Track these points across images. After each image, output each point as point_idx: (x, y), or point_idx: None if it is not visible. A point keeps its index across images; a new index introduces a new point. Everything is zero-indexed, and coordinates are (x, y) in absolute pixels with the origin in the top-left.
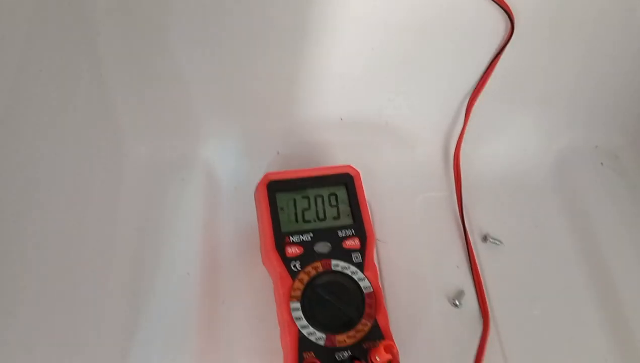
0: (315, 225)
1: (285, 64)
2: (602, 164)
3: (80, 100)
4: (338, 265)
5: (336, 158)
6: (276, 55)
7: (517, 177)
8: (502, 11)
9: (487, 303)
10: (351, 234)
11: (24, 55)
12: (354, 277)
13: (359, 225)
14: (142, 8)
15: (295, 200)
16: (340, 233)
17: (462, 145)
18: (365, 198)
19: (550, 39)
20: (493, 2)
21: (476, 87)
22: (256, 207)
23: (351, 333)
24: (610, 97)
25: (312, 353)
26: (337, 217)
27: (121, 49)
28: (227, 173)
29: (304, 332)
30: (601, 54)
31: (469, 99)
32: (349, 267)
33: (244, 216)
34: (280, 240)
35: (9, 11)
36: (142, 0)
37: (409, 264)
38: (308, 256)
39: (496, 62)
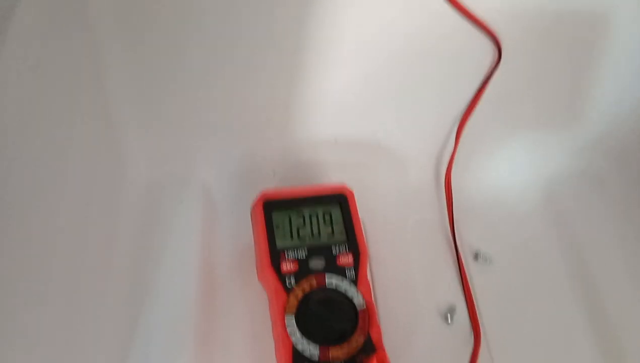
0: (310, 242)
1: (282, 85)
2: (588, 185)
3: (82, 120)
4: (332, 281)
5: (331, 178)
6: (272, 77)
7: (507, 199)
8: (490, 38)
9: (479, 319)
10: (345, 251)
11: (32, 76)
12: (347, 292)
13: (353, 242)
14: (146, 33)
15: (290, 218)
16: (334, 250)
17: (453, 168)
18: (359, 217)
19: (537, 65)
20: (481, 30)
21: (465, 111)
22: (252, 224)
23: (344, 347)
24: (597, 120)
25: None
26: (332, 235)
27: (124, 71)
28: (223, 192)
29: (298, 346)
30: (587, 78)
31: (459, 123)
32: (342, 283)
33: (241, 234)
34: (275, 256)
35: (19, 26)
36: (147, 24)
37: (402, 282)
38: (303, 272)
39: (485, 87)
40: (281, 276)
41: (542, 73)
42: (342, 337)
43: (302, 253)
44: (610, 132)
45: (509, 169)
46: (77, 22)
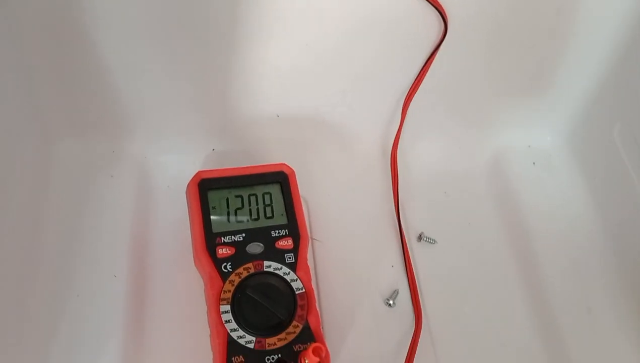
0: (248, 225)
1: (219, 58)
2: (534, 163)
3: (4, 92)
4: (270, 265)
5: (273, 155)
6: (209, 49)
7: (453, 176)
8: (437, 12)
9: (420, 302)
10: (284, 234)
11: None
12: (286, 277)
13: (293, 224)
14: (65, 3)
15: (227, 199)
16: (273, 233)
17: (400, 143)
18: (300, 197)
19: (483, 39)
20: (428, 3)
21: (412, 86)
22: (187, 206)
23: (282, 335)
24: (543, 98)
25: (242, 357)
26: (271, 217)
27: (48, 43)
28: (159, 171)
29: (234, 335)
30: (533, 54)
31: (405, 98)
32: (281, 268)
33: (177, 216)
34: (211, 241)
35: None
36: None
37: (345, 264)
38: (240, 257)
39: (431, 62)
40: (217, 261)
41: (488, 47)
42: (279, 325)
43: (239, 237)
44: (556, 107)
45: (455, 144)
46: None
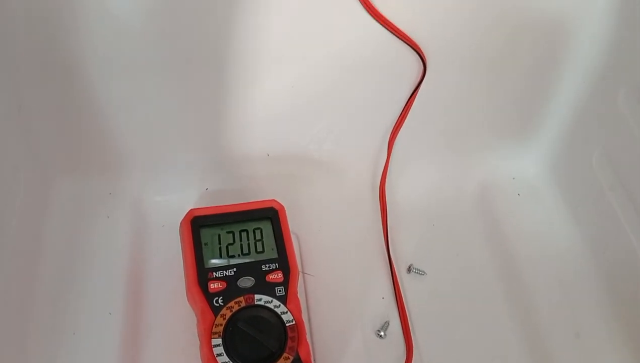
0: (239, 260)
1: (211, 99)
2: (519, 194)
3: None
4: (261, 299)
5: (265, 192)
6: (201, 90)
7: (440, 207)
8: (415, 51)
9: (411, 332)
10: (275, 268)
11: None
12: (277, 310)
13: (283, 258)
14: (60, 44)
15: (219, 236)
16: (264, 267)
17: (387, 177)
18: (289, 232)
19: (463, 77)
20: (406, 43)
21: (396, 122)
22: (180, 242)
23: None
24: (524, 130)
25: None
26: (262, 251)
27: (41, 84)
28: (155, 210)
29: None
30: (511, 89)
31: (391, 133)
32: (271, 301)
33: (171, 253)
34: (203, 276)
35: None
36: (59, 39)
37: (336, 296)
38: (231, 291)
39: (413, 99)
40: (208, 296)
41: (466, 84)
42: (270, 357)
43: (230, 272)
44: (540, 140)
45: (441, 177)
46: None
